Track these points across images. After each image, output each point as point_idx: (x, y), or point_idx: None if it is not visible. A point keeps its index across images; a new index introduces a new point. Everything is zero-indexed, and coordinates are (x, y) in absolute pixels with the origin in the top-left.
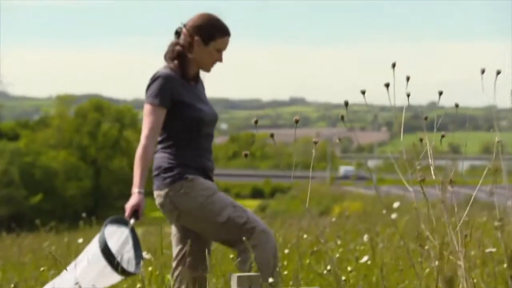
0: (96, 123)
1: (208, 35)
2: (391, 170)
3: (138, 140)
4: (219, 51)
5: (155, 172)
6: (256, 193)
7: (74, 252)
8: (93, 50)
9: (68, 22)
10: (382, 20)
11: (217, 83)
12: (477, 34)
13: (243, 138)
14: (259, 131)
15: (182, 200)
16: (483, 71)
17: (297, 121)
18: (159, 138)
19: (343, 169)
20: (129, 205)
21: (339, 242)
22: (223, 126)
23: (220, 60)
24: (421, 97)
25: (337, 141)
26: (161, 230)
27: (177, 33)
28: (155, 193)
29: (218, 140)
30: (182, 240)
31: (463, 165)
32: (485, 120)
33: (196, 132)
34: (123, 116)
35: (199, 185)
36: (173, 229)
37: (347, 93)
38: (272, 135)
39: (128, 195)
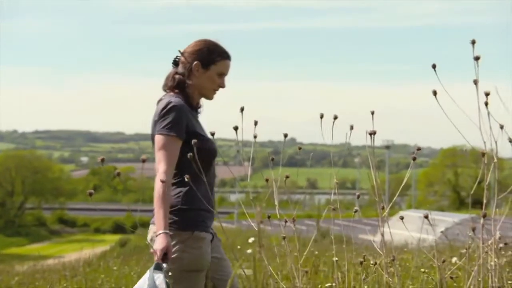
0: None
1: (207, 58)
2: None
3: None
4: (221, 75)
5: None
6: (118, 228)
7: None
8: None
9: None
10: (247, 57)
11: (78, 115)
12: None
13: (104, 171)
14: (122, 165)
15: (178, 249)
16: (321, 116)
17: (144, 161)
18: None
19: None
20: (159, 248)
21: None
22: (83, 158)
23: (223, 85)
24: (280, 134)
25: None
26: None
27: (175, 63)
28: (154, 228)
29: (78, 173)
30: None
31: (320, 199)
32: (339, 156)
33: (207, 165)
34: None
35: (201, 254)
36: None
37: (213, 127)
38: (118, 174)
39: None
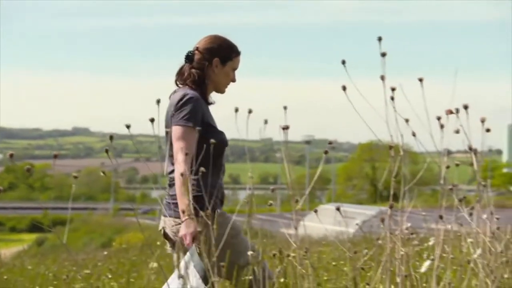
0: None
1: (225, 55)
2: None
3: None
4: (234, 70)
5: (175, 200)
6: (34, 226)
7: None
8: None
9: None
10: (164, 54)
11: None
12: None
13: (20, 168)
14: (39, 162)
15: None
16: (236, 110)
17: (55, 156)
18: None
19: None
20: (188, 232)
21: (110, 276)
22: None
23: (234, 79)
24: None
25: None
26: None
27: (189, 58)
28: (172, 220)
29: None
30: None
31: (243, 194)
32: (261, 152)
33: (219, 156)
34: None
35: (228, 223)
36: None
37: (133, 123)
38: (29, 170)
39: None
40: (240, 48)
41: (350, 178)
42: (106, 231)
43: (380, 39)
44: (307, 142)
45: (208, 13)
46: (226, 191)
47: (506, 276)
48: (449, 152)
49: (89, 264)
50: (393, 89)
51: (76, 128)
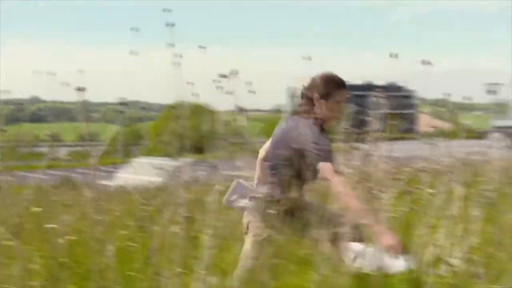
0: None
1: (325, 91)
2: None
3: None
4: (338, 103)
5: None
6: None
7: None
8: None
9: None
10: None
11: None
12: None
13: None
14: None
15: None
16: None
17: None
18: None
19: None
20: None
21: None
22: None
23: (342, 112)
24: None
25: None
26: None
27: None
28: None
29: None
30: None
31: (63, 151)
32: (78, 112)
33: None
34: None
35: None
36: None
37: None
38: None
39: None
40: (344, 83)
41: (160, 134)
42: None
43: (168, 10)
44: (122, 104)
45: None
46: (47, 148)
47: None
48: (242, 110)
49: None
50: (180, 56)
51: None
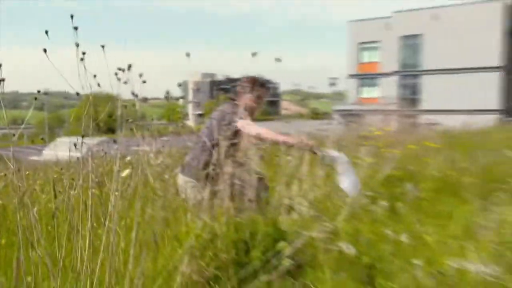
0: None
1: (251, 88)
2: None
3: None
4: (260, 97)
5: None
6: None
7: None
8: None
9: None
10: None
11: None
12: None
13: None
14: None
15: None
16: None
17: None
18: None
19: None
20: (309, 143)
21: None
22: None
23: (262, 103)
24: None
25: None
26: None
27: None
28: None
29: None
30: None
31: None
32: (8, 101)
33: None
34: None
35: None
36: None
37: None
38: None
39: None
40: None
41: (79, 118)
42: None
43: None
44: (46, 94)
45: None
46: None
47: (166, 176)
48: (145, 99)
49: None
50: (84, 53)
51: None
